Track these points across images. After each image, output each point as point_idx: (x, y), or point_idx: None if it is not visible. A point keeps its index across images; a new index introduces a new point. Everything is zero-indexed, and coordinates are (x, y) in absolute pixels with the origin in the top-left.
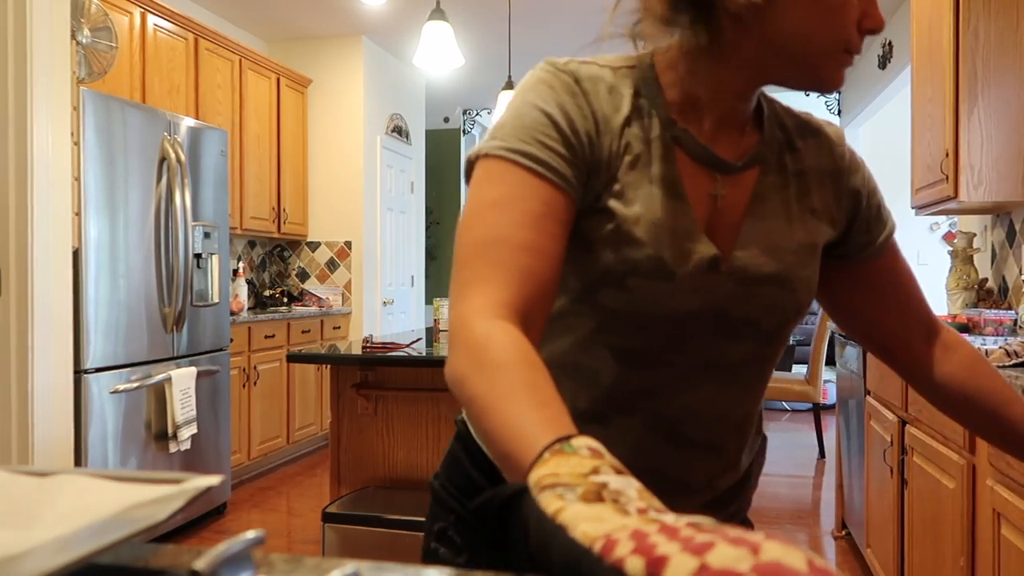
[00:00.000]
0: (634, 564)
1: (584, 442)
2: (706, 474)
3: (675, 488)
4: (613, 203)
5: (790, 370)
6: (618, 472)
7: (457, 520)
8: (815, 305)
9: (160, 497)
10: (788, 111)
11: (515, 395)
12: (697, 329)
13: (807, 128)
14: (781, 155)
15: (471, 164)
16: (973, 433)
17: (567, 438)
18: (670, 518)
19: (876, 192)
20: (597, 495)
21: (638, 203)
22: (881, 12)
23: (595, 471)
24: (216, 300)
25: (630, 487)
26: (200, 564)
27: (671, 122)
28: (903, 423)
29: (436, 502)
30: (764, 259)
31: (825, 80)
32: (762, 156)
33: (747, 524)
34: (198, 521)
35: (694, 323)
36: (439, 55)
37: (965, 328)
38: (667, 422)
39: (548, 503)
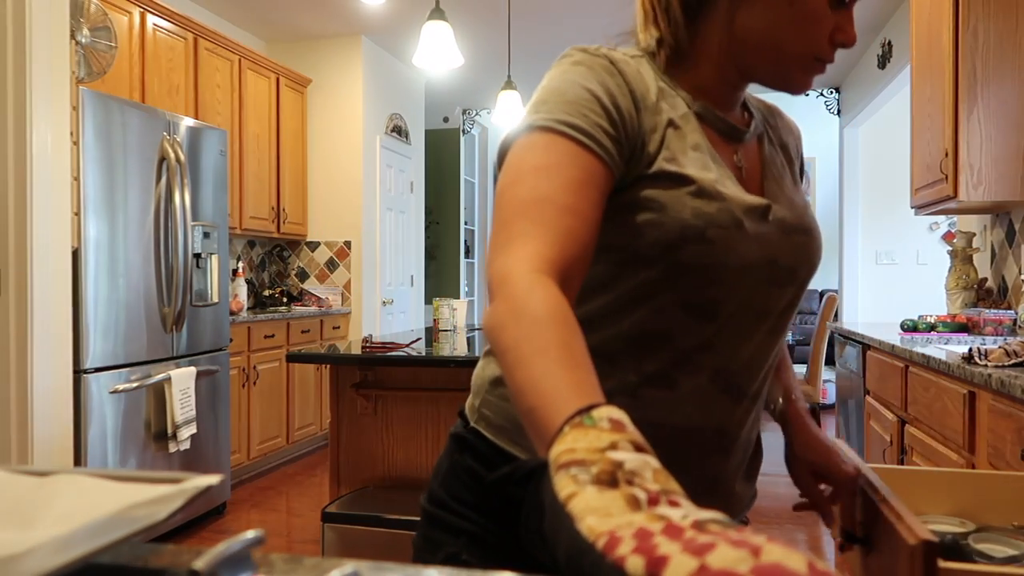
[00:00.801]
0: (635, 563)
1: (606, 413)
2: (748, 427)
3: (730, 444)
4: (671, 166)
5: None
6: (637, 448)
7: (470, 541)
8: (815, 305)
9: (159, 497)
10: (756, 97)
11: (549, 352)
12: (756, 278)
13: (772, 110)
14: (767, 131)
15: (507, 146)
16: None
17: (589, 409)
18: (678, 514)
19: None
20: (611, 476)
21: (690, 166)
22: (855, 30)
23: (613, 446)
24: (216, 300)
25: (646, 467)
26: (200, 564)
27: (691, 100)
28: (902, 423)
29: (435, 526)
30: (790, 212)
31: (794, 84)
32: (758, 130)
33: (744, 523)
34: (198, 521)
35: (755, 272)
36: (439, 55)
37: (964, 328)
38: (727, 375)
39: (562, 486)
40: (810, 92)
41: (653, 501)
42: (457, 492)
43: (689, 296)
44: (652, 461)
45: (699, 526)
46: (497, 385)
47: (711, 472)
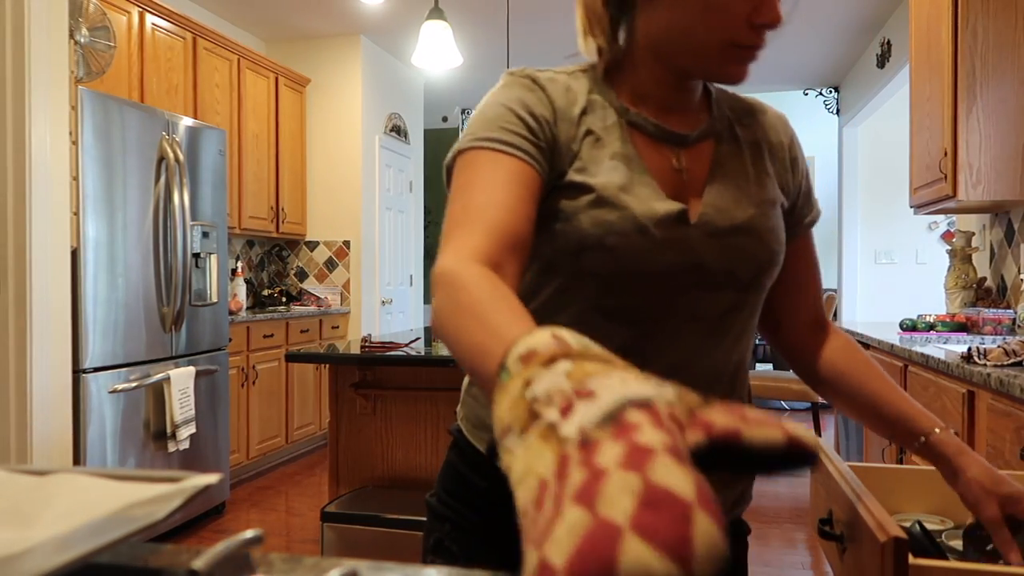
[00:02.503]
0: (530, 560)
1: (519, 351)
2: None
3: None
4: (579, 176)
5: (789, 369)
6: (550, 359)
7: (452, 529)
8: None
9: (159, 496)
10: (735, 96)
11: (474, 313)
12: (680, 284)
13: (754, 108)
14: (732, 130)
15: (450, 169)
16: (851, 416)
17: (505, 359)
18: (572, 429)
19: (809, 177)
20: (532, 417)
21: (601, 175)
22: (778, 8)
23: (527, 384)
24: (215, 300)
25: (557, 375)
26: (199, 563)
27: (624, 110)
28: None
29: (431, 516)
30: (730, 213)
31: (721, 74)
32: (714, 131)
33: (743, 525)
34: (197, 520)
35: (676, 278)
36: (438, 54)
37: (964, 327)
38: (661, 379)
39: (504, 460)
40: (809, 92)
41: (565, 411)
42: (446, 484)
43: (604, 302)
44: (564, 365)
45: (587, 445)
46: (471, 385)
47: None
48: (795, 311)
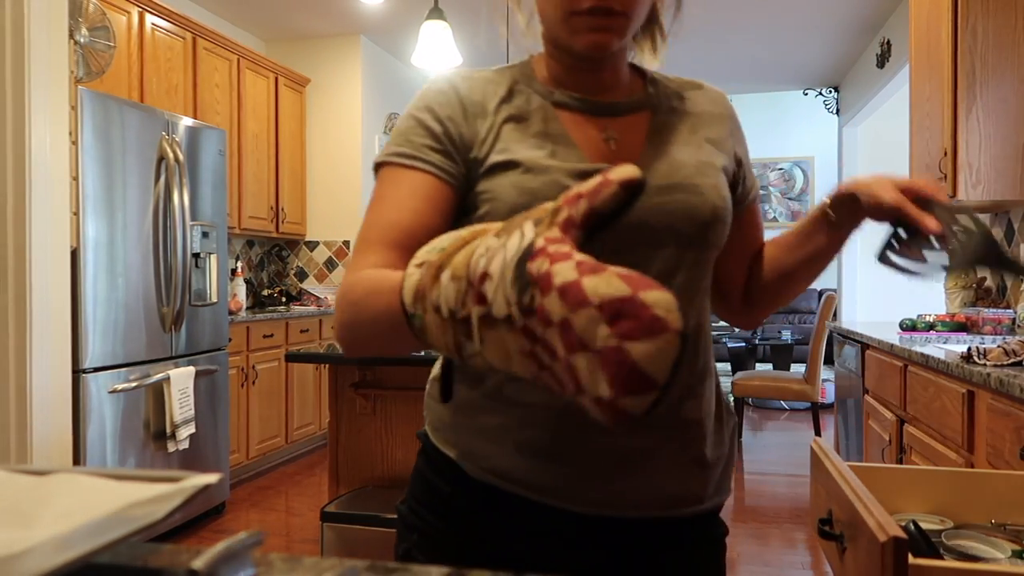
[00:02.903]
0: (585, 403)
1: (407, 297)
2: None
3: (636, 420)
4: (501, 157)
5: (788, 369)
6: (433, 281)
7: (420, 538)
8: (814, 304)
9: (158, 495)
10: (674, 78)
11: (372, 288)
12: (619, 243)
13: (692, 84)
14: (670, 101)
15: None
16: (791, 285)
17: (407, 312)
18: (510, 292)
19: (748, 155)
20: (464, 324)
21: (524, 151)
22: None
23: (436, 310)
24: (214, 300)
25: (447, 286)
26: (199, 563)
27: (549, 92)
28: (901, 422)
29: (401, 524)
30: (667, 172)
31: (578, 45)
32: (650, 102)
33: (719, 527)
34: (197, 520)
35: (615, 237)
36: (437, 54)
37: (963, 327)
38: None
39: (480, 364)
40: (809, 92)
41: (481, 300)
42: (415, 491)
43: None
44: (444, 274)
45: (530, 313)
46: (432, 387)
47: (623, 450)
48: (741, 277)
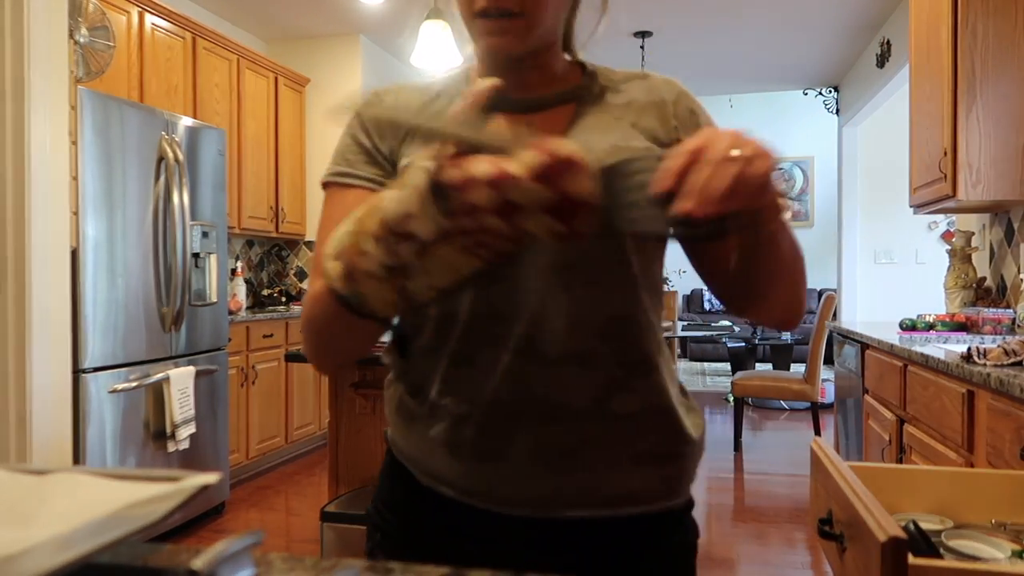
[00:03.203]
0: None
1: (330, 267)
2: (589, 394)
3: (560, 414)
4: (404, 163)
5: (788, 369)
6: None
7: (383, 538)
8: (814, 304)
9: (158, 495)
10: (621, 71)
11: (313, 297)
12: None
13: (636, 76)
14: (602, 94)
15: None
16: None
17: (335, 289)
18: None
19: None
20: (397, 241)
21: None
22: None
23: (364, 254)
24: (214, 299)
25: (344, 232)
26: (199, 563)
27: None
28: (901, 422)
29: (369, 525)
30: None
31: (484, 46)
32: (577, 95)
33: (688, 532)
34: (196, 520)
35: None
36: (437, 54)
37: (963, 327)
38: (525, 340)
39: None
40: (808, 91)
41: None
42: (379, 491)
43: None
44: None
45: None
46: (387, 389)
47: (550, 446)
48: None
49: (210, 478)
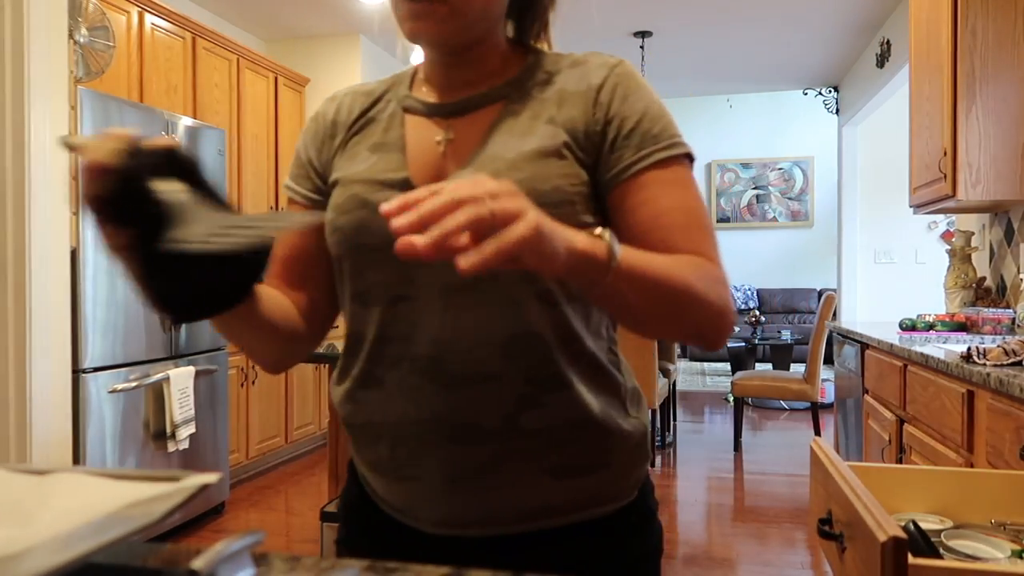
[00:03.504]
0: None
1: None
2: (497, 412)
3: (470, 433)
4: (335, 175)
5: (788, 369)
6: None
7: (347, 534)
8: (813, 304)
9: (158, 495)
10: (568, 55)
11: None
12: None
13: (577, 61)
14: (533, 88)
15: None
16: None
17: None
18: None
19: (641, 118)
20: None
21: (347, 168)
22: None
23: None
24: None
25: None
26: (199, 563)
27: (405, 96)
28: (901, 422)
29: (340, 516)
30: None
31: (408, 33)
32: (505, 93)
33: (649, 543)
34: (196, 520)
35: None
36: None
37: (963, 327)
38: (429, 362)
39: None
40: (808, 91)
41: None
42: (343, 492)
43: (356, 287)
44: None
45: None
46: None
47: (463, 465)
48: None
49: (210, 478)
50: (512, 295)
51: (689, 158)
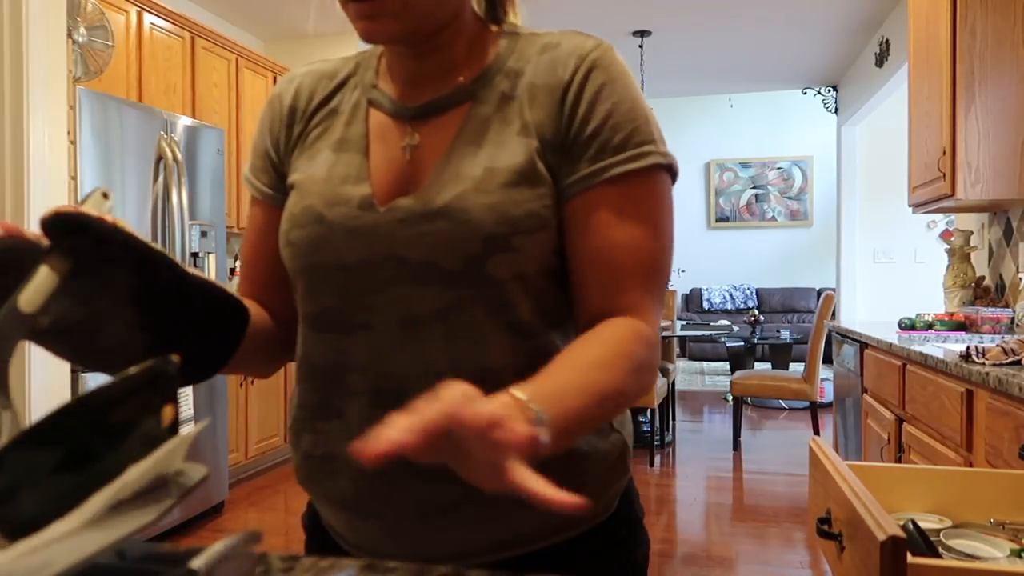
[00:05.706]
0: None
1: None
2: None
3: (435, 469)
4: (291, 176)
5: (787, 368)
6: None
7: (312, 544)
8: (813, 304)
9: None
10: (543, 35)
11: None
12: (375, 279)
13: (548, 46)
14: (502, 83)
15: None
16: None
17: None
18: None
19: (602, 124)
20: None
21: (306, 168)
22: None
23: None
24: None
25: None
26: (198, 563)
27: (371, 86)
28: (900, 421)
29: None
30: (432, 194)
31: (359, 32)
32: (472, 92)
33: (627, 545)
34: (195, 520)
35: (369, 273)
36: None
37: (962, 326)
38: (391, 396)
39: None
40: (807, 91)
41: None
42: (308, 506)
43: (307, 309)
44: None
45: None
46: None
47: (428, 502)
48: (580, 303)
49: (201, 469)
50: (482, 328)
51: (665, 168)
